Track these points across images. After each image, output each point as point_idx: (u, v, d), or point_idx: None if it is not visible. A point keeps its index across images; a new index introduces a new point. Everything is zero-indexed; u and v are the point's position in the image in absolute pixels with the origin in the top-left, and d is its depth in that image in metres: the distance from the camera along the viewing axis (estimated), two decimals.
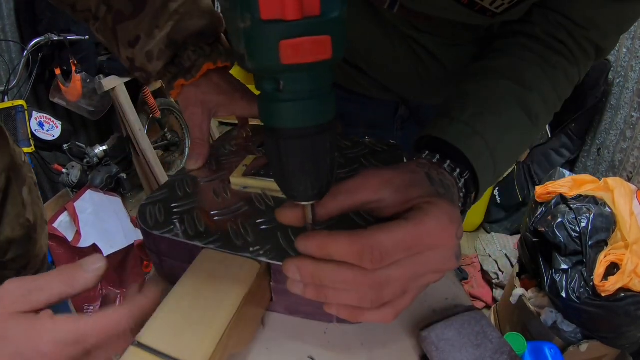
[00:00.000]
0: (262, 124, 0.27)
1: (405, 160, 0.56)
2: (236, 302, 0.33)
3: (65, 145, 1.79)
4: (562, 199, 1.27)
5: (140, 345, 0.29)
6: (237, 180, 0.49)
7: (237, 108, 0.56)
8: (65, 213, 1.59)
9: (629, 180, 1.48)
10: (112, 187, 1.93)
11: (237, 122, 0.65)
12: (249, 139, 0.62)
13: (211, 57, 0.51)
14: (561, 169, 1.45)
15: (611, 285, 1.02)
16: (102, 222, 1.64)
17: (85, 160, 1.87)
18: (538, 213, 1.30)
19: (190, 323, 0.31)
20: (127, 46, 0.48)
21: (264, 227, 0.42)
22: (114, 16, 0.47)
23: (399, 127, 0.81)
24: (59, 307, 0.87)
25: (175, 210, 0.44)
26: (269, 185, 0.48)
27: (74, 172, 1.82)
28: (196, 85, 0.53)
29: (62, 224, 1.57)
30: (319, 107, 0.25)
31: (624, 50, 1.61)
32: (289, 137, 0.26)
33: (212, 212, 0.44)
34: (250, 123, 0.66)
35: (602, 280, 1.05)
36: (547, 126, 2.00)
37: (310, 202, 0.31)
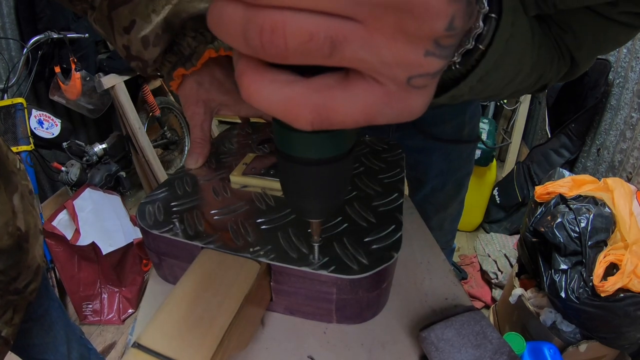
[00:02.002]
0: (264, 121, 0.26)
1: (404, 160, 0.56)
2: (236, 303, 0.33)
3: (64, 144, 1.79)
4: (562, 199, 1.27)
5: (140, 347, 0.29)
6: (237, 179, 0.49)
7: (242, 108, 0.55)
8: (65, 211, 1.59)
9: (629, 180, 1.48)
10: (112, 185, 1.93)
11: (237, 120, 0.65)
12: (249, 136, 0.61)
13: (213, 43, 0.48)
14: (561, 169, 1.45)
15: (610, 285, 1.02)
16: (101, 220, 1.64)
17: (84, 159, 1.87)
18: (537, 213, 1.30)
19: (190, 324, 0.31)
20: (123, 33, 0.46)
21: (264, 227, 0.41)
22: (109, 2, 0.45)
23: (395, 129, 0.81)
24: (54, 308, 0.86)
25: (174, 209, 0.44)
26: (269, 184, 0.48)
27: (73, 170, 1.82)
28: (199, 83, 0.51)
29: (61, 222, 1.56)
30: (337, 140, 0.23)
31: (624, 50, 1.61)
32: (305, 163, 0.23)
33: (212, 212, 0.44)
34: (251, 120, 0.65)
35: (601, 280, 1.05)
36: (546, 126, 2.00)
37: (320, 220, 0.31)
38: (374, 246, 0.39)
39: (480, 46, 0.29)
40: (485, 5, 0.26)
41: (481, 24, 0.27)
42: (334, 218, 0.42)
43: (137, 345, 0.29)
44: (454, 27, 0.15)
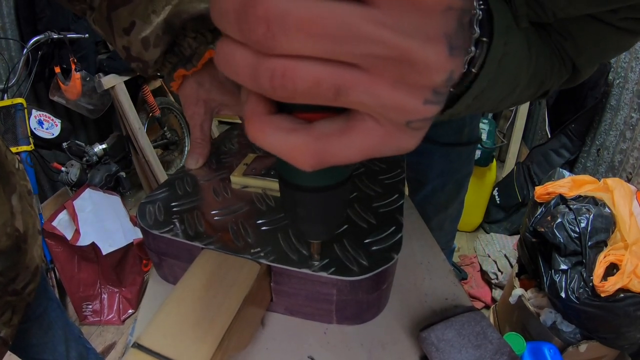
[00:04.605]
0: None
1: (404, 161, 0.55)
2: (236, 304, 0.33)
3: (64, 144, 1.79)
4: (562, 199, 1.27)
5: (140, 347, 0.29)
6: (238, 180, 0.49)
7: (242, 109, 0.54)
8: (65, 211, 1.59)
9: (629, 180, 1.48)
10: (112, 185, 1.93)
11: (237, 120, 0.65)
12: None
13: (213, 44, 0.48)
14: (561, 170, 1.45)
15: (610, 285, 1.02)
16: (101, 220, 1.64)
17: (84, 159, 1.87)
18: (537, 213, 1.30)
19: (190, 325, 0.31)
20: (122, 34, 0.46)
21: (264, 228, 0.41)
22: (108, 3, 0.45)
23: None
24: (52, 308, 0.86)
25: (175, 209, 0.44)
26: (270, 184, 0.47)
27: (73, 171, 1.82)
28: (199, 83, 0.51)
29: (61, 223, 1.56)
30: (335, 171, 0.24)
31: None
32: (304, 190, 0.25)
33: (212, 212, 0.44)
34: None
35: (601, 280, 1.05)
36: (546, 127, 2.00)
37: (320, 241, 0.32)
38: (374, 247, 0.39)
39: (473, 69, 0.29)
40: (477, 29, 0.26)
41: (473, 48, 0.27)
42: None
43: (137, 346, 0.29)
44: (452, 79, 0.16)
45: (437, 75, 0.16)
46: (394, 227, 0.41)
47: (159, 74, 0.51)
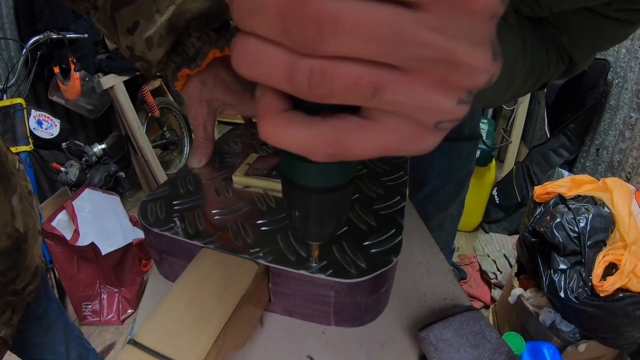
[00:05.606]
0: None
1: (408, 163, 0.55)
2: (233, 303, 0.33)
3: (63, 144, 1.79)
4: (561, 199, 1.27)
5: (136, 344, 0.29)
6: (239, 179, 0.49)
7: (246, 108, 0.54)
8: (64, 212, 1.59)
9: (628, 180, 1.48)
10: (111, 185, 1.93)
11: (236, 121, 0.64)
12: (253, 137, 0.61)
13: (217, 43, 0.48)
14: (560, 169, 1.45)
15: (609, 285, 1.02)
16: (100, 220, 1.64)
17: (83, 159, 1.87)
18: (537, 213, 1.31)
19: (186, 323, 0.31)
20: (126, 33, 0.46)
21: (264, 228, 0.41)
22: (112, 2, 0.45)
23: None
24: (52, 308, 0.85)
25: (176, 207, 0.44)
26: (271, 185, 0.48)
27: (72, 171, 1.82)
28: (203, 82, 0.51)
29: (60, 223, 1.56)
30: (342, 170, 0.24)
31: (623, 50, 1.61)
32: (309, 191, 0.25)
33: (213, 211, 0.44)
34: (254, 121, 0.65)
35: (600, 280, 1.05)
36: (546, 126, 2.00)
37: (319, 242, 0.32)
38: (373, 250, 0.39)
39: None
40: None
41: None
42: None
43: (133, 343, 0.29)
44: (491, 82, 0.17)
45: (481, 77, 0.16)
46: (394, 230, 0.41)
47: (161, 74, 0.51)
